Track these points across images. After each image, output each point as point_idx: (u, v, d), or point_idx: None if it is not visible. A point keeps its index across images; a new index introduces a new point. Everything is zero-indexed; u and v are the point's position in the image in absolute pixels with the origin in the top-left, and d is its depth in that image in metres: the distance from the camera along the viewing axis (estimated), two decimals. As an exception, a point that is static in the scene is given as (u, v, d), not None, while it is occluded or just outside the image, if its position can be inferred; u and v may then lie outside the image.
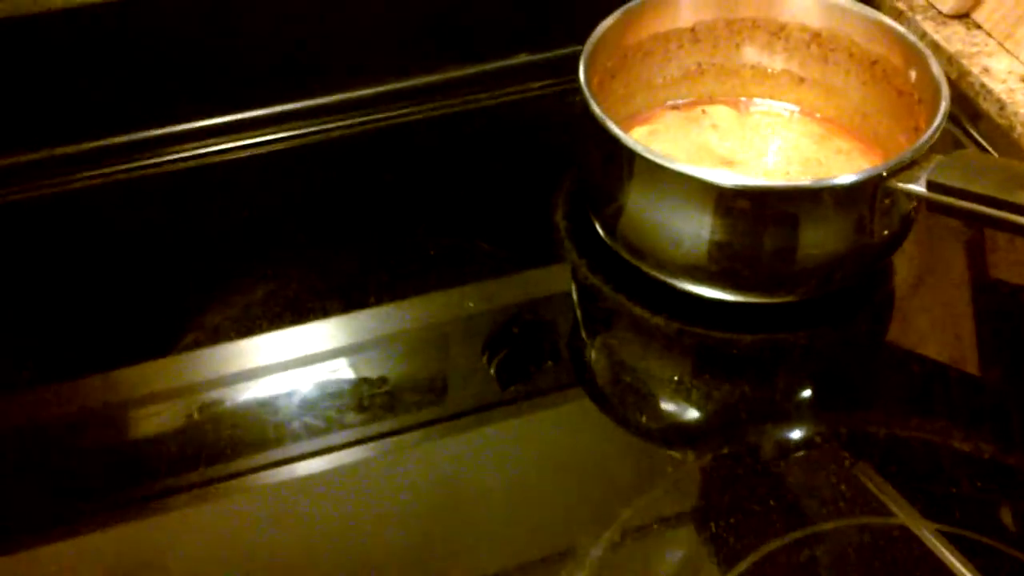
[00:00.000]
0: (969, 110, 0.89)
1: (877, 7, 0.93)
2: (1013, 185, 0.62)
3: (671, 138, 0.80)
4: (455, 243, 0.79)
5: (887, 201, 0.67)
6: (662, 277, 0.72)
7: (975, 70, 0.89)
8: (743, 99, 0.84)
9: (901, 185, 0.66)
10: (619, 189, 0.71)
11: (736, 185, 0.66)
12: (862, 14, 0.78)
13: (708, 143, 0.80)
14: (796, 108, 0.84)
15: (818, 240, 0.68)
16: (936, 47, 0.92)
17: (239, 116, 0.86)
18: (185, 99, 0.84)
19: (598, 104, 0.70)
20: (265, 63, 0.85)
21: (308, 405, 0.67)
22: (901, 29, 0.75)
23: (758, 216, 0.67)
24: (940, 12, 0.95)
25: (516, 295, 0.76)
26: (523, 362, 0.70)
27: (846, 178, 0.66)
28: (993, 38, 0.92)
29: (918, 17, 0.95)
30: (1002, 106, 0.87)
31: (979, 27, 0.94)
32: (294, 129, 0.87)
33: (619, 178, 0.70)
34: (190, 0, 0.78)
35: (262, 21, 0.83)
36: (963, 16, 0.95)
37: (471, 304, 0.74)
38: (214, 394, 0.68)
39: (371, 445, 0.65)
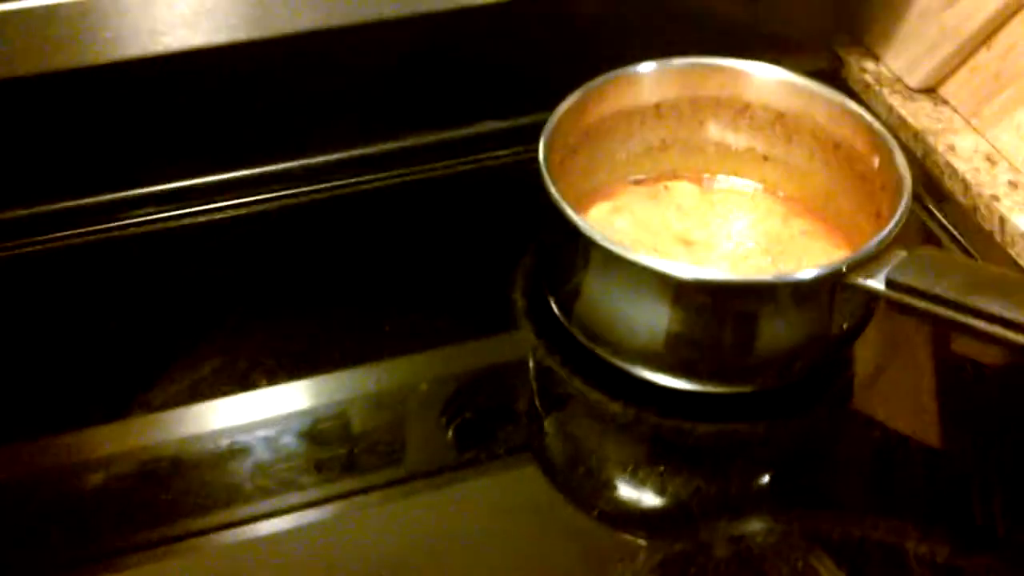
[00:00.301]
0: (934, 190, 0.88)
1: (844, 79, 0.93)
2: (974, 288, 0.61)
3: (632, 215, 0.79)
4: (411, 320, 0.77)
5: (846, 295, 0.66)
6: (618, 363, 0.71)
7: (940, 148, 0.89)
8: (706, 175, 0.83)
9: (860, 281, 0.65)
10: (576, 273, 0.70)
11: (694, 278, 0.65)
12: (827, 97, 0.77)
13: (669, 221, 0.79)
14: (759, 186, 0.83)
15: (776, 333, 0.67)
16: (902, 123, 0.92)
17: (193, 182, 0.84)
18: (138, 165, 0.82)
19: (557, 186, 0.69)
20: (221, 130, 0.84)
21: (262, 467, 0.66)
22: (866, 115, 0.75)
23: (716, 308, 0.66)
24: (908, 86, 0.95)
25: (477, 361, 0.75)
26: (482, 428, 0.69)
27: (804, 274, 0.65)
28: (959, 115, 0.92)
29: (885, 91, 0.95)
30: (967, 186, 0.86)
31: (946, 103, 0.93)
32: (250, 196, 0.85)
33: (576, 263, 0.69)
34: (147, 68, 0.76)
35: (218, 86, 0.81)
36: (930, 91, 0.94)
37: (430, 371, 0.74)
38: (168, 457, 0.67)
39: (328, 506, 0.65)
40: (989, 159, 0.88)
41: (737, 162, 0.83)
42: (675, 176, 0.83)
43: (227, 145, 0.84)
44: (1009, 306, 0.60)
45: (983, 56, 0.88)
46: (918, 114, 0.92)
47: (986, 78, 0.88)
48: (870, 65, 0.97)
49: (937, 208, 0.87)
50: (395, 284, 0.79)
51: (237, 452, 0.67)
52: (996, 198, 0.84)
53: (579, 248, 0.67)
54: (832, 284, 0.66)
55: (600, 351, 0.71)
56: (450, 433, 0.69)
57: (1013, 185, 0.85)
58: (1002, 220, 0.83)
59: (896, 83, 0.96)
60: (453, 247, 0.84)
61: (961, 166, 0.87)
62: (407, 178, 0.89)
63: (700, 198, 0.82)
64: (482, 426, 0.69)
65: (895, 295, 0.64)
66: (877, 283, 0.65)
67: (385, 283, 0.79)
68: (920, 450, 0.72)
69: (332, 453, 0.67)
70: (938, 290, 0.62)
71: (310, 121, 0.86)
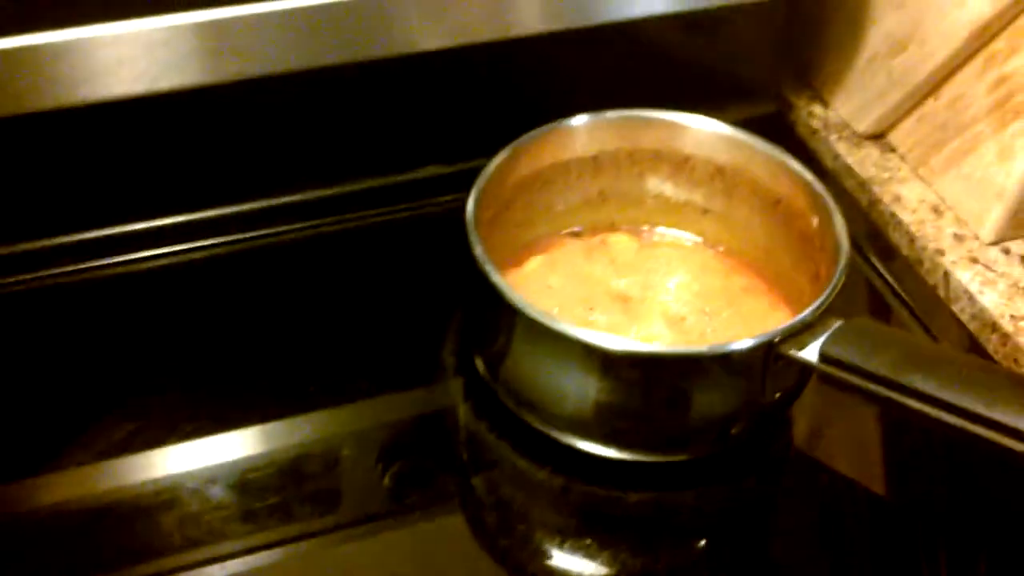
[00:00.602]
0: (878, 242, 0.86)
1: (792, 124, 0.91)
2: (909, 365, 0.59)
3: (567, 271, 0.77)
4: (340, 374, 0.75)
5: (780, 364, 0.64)
6: (546, 430, 0.68)
7: (886, 198, 0.87)
8: (645, 228, 0.81)
9: (792, 353, 0.63)
10: (501, 338, 0.67)
11: (623, 350, 0.63)
12: (767, 153, 0.75)
13: (606, 277, 0.77)
14: (699, 239, 0.81)
15: (708, 402, 0.65)
16: (848, 171, 0.90)
17: (118, 230, 0.81)
18: (54, 216, 0.79)
19: (485, 245, 0.66)
20: (143, 178, 0.81)
21: (191, 518, 0.65)
22: (806, 174, 0.73)
23: (645, 380, 0.64)
24: (856, 132, 0.93)
25: (408, 412, 0.74)
26: (417, 477, 0.69)
27: (735, 345, 0.63)
28: (907, 163, 0.90)
29: (832, 137, 0.93)
30: (911, 238, 0.84)
31: (894, 150, 0.91)
32: (180, 245, 0.83)
33: (501, 327, 0.67)
34: (60, 118, 0.73)
35: (141, 134, 0.79)
36: (879, 137, 0.93)
37: (359, 422, 0.73)
38: (96, 509, 0.66)
39: (259, 555, 0.64)
40: (935, 210, 0.86)
41: (676, 215, 0.81)
42: (613, 228, 0.81)
43: (151, 194, 0.82)
44: (943, 386, 0.58)
45: (931, 105, 0.86)
46: (865, 162, 0.90)
47: (934, 128, 0.86)
48: (818, 110, 0.95)
49: (881, 262, 0.85)
50: (327, 335, 0.77)
51: (165, 503, 0.66)
52: (940, 251, 0.82)
53: (504, 313, 0.65)
54: (764, 355, 0.64)
55: (527, 417, 0.69)
56: (386, 480, 0.69)
57: (958, 238, 0.83)
58: (946, 275, 0.81)
59: (844, 129, 0.94)
60: (387, 297, 0.81)
61: (906, 217, 0.85)
62: (344, 225, 0.87)
63: (638, 252, 0.80)
64: (417, 475, 0.69)
65: (828, 369, 0.62)
66: (810, 355, 0.63)
67: (317, 334, 0.77)
68: (861, 514, 0.70)
69: (263, 503, 0.66)
70: (871, 366, 0.60)
71: (240, 168, 0.83)
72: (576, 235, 0.81)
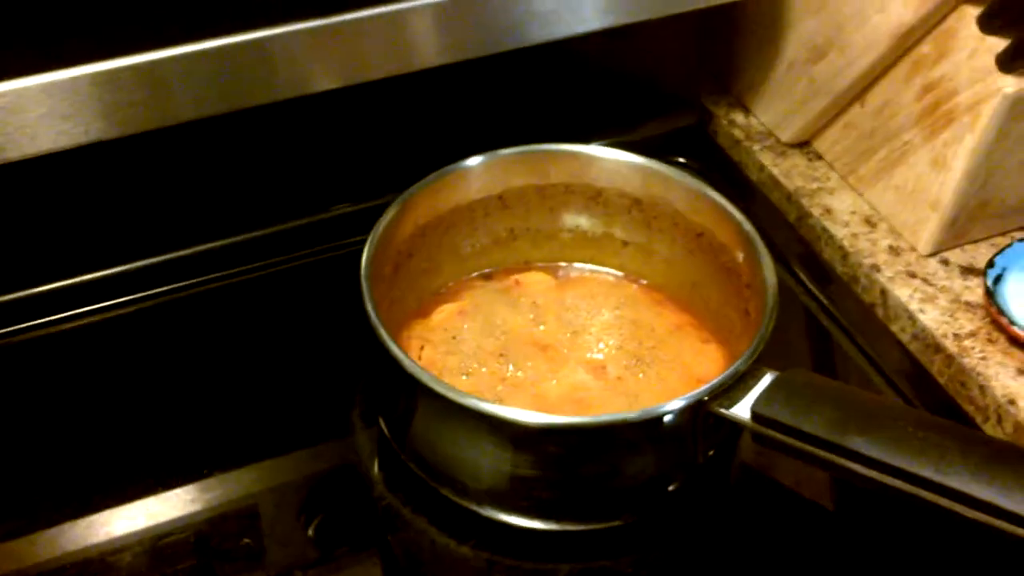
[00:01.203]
0: (810, 260, 0.82)
1: (713, 134, 0.86)
2: (851, 425, 0.55)
3: (479, 319, 0.71)
4: (246, 439, 0.70)
5: (711, 421, 0.59)
6: (465, 503, 0.63)
7: (816, 211, 0.82)
8: (562, 264, 0.76)
9: (723, 411, 0.58)
10: (405, 411, 0.61)
11: (537, 424, 0.57)
12: (684, 184, 0.70)
13: (522, 323, 0.71)
14: (620, 274, 0.75)
15: (637, 468, 0.60)
16: (775, 183, 0.85)
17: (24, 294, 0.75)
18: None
19: (379, 312, 0.60)
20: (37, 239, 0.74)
21: None
22: (728, 206, 0.68)
23: (564, 451, 0.58)
24: (779, 140, 0.88)
25: (327, 463, 0.71)
26: (340, 526, 0.66)
27: (662, 408, 0.58)
28: (835, 171, 0.85)
29: (756, 147, 0.88)
30: (844, 254, 0.80)
31: (820, 158, 0.86)
32: (74, 308, 0.77)
33: (404, 400, 0.61)
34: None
35: (42, 192, 0.73)
36: (804, 145, 0.88)
37: (276, 478, 0.69)
38: None
39: None
40: (868, 222, 0.81)
41: (594, 249, 0.75)
42: (528, 267, 0.75)
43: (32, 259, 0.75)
44: (888, 448, 0.53)
45: (856, 112, 0.82)
46: (791, 172, 0.85)
47: (861, 135, 0.81)
48: (739, 118, 0.90)
49: (814, 282, 0.80)
50: (232, 392, 0.73)
51: None
52: (876, 267, 0.78)
53: (405, 385, 0.59)
54: (693, 415, 0.58)
55: (444, 491, 0.63)
56: (310, 532, 0.66)
57: (894, 251, 0.79)
58: (883, 293, 0.77)
59: (767, 137, 0.89)
60: (293, 349, 0.76)
61: (838, 231, 0.81)
62: (247, 275, 0.81)
63: (555, 291, 0.74)
64: (341, 526, 0.66)
65: (761, 429, 0.57)
66: (742, 412, 0.58)
67: (222, 391, 0.73)
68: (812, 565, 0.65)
69: (182, 566, 0.63)
70: (808, 426, 0.55)
71: (128, 226, 0.77)
72: (487, 277, 0.75)
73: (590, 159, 0.71)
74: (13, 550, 0.64)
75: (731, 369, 0.59)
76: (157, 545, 0.64)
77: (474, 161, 0.69)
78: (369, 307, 0.60)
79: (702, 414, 0.59)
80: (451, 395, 0.57)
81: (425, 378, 0.58)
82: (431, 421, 0.60)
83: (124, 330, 0.77)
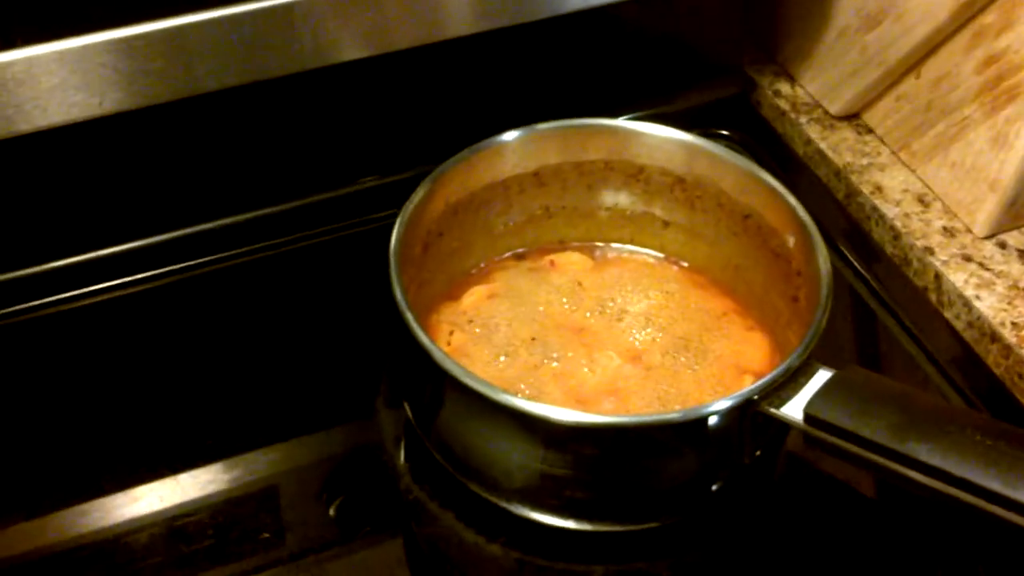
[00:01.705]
0: (859, 240, 0.78)
1: (756, 105, 0.82)
2: (908, 429, 0.51)
3: (513, 300, 0.67)
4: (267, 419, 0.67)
5: (760, 420, 0.56)
6: (495, 500, 0.59)
7: (866, 188, 0.78)
8: (599, 244, 0.72)
9: (773, 411, 0.54)
10: (433, 403, 0.58)
11: (572, 423, 0.54)
12: (732, 163, 0.66)
13: (555, 306, 0.68)
14: (660, 255, 0.72)
15: (678, 470, 0.57)
16: (822, 158, 0.81)
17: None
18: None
19: (409, 292, 0.57)
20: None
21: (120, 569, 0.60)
22: (778, 187, 0.64)
23: (602, 451, 0.55)
24: (827, 113, 0.83)
25: (349, 444, 0.68)
26: (363, 507, 0.64)
27: (708, 408, 0.55)
28: (886, 146, 0.81)
29: (803, 119, 0.83)
30: (896, 235, 0.75)
31: (871, 131, 0.82)
32: (94, 284, 0.74)
33: (433, 389, 0.58)
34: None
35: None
36: (853, 117, 0.83)
37: (298, 459, 0.67)
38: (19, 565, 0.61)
39: None
40: (921, 200, 0.77)
41: (633, 228, 0.71)
42: (563, 246, 0.72)
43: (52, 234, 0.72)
44: (952, 456, 0.49)
45: (911, 84, 0.77)
46: (840, 147, 0.81)
47: (915, 109, 0.77)
48: (785, 88, 0.86)
49: (862, 263, 0.76)
50: (256, 369, 0.71)
51: (92, 557, 0.61)
52: (929, 249, 0.73)
53: (434, 376, 0.56)
54: (741, 415, 0.55)
55: (472, 486, 0.60)
56: (332, 511, 0.63)
57: (949, 232, 0.75)
58: (937, 277, 0.73)
59: (815, 108, 0.84)
60: (316, 328, 0.73)
61: (889, 210, 0.76)
62: (277, 250, 0.77)
63: (592, 272, 0.70)
64: (363, 507, 0.64)
65: (815, 432, 0.53)
66: (794, 413, 0.54)
67: (243, 369, 0.71)
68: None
69: (198, 546, 0.61)
70: (866, 431, 0.51)
71: (150, 198, 0.73)
72: (520, 257, 0.71)
73: (632, 135, 0.67)
74: (27, 530, 0.63)
75: (783, 366, 0.55)
76: (174, 525, 0.62)
77: (509, 136, 0.65)
78: (398, 294, 0.57)
79: (750, 414, 0.55)
80: (483, 390, 0.54)
81: (456, 371, 0.55)
82: (460, 414, 0.57)
83: (146, 307, 0.74)
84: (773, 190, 0.64)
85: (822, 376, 0.55)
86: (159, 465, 0.65)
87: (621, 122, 0.67)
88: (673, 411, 0.58)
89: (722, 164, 0.66)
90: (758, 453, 0.58)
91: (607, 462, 0.56)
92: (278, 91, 0.69)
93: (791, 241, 0.63)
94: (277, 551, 0.61)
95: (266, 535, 0.62)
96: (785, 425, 0.57)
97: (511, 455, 0.56)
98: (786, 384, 0.55)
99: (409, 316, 0.56)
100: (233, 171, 0.75)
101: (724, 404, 0.54)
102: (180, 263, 0.75)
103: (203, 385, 0.70)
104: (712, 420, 0.55)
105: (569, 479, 0.56)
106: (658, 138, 0.67)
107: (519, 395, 0.60)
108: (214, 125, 0.72)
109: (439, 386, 0.57)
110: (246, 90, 0.67)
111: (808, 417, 0.53)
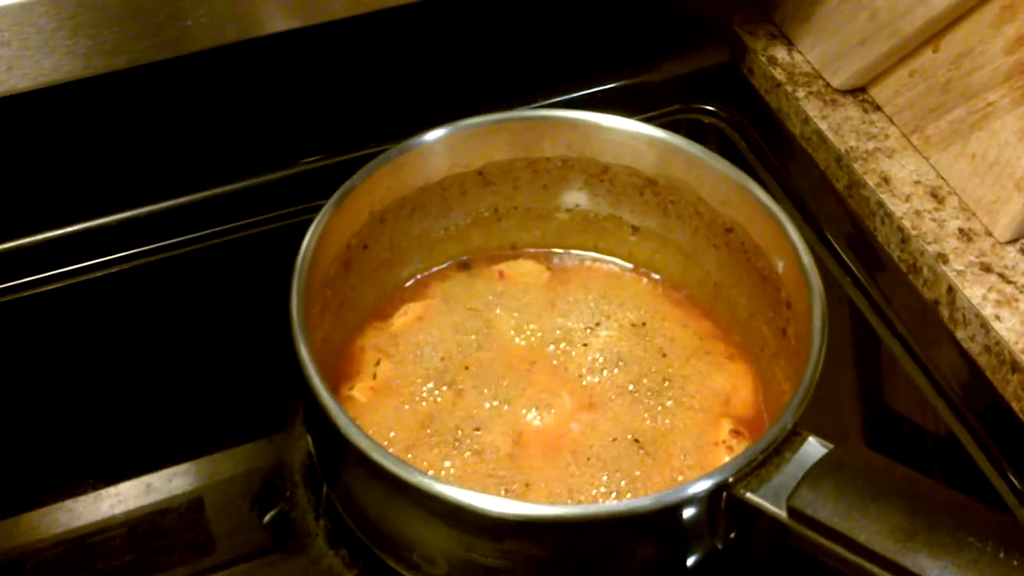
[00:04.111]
0: (861, 242, 0.67)
1: (747, 74, 0.71)
2: (914, 535, 0.41)
3: (448, 324, 0.58)
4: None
5: (735, 502, 0.46)
6: (420, 580, 0.50)
7: (871, 180, 0.67)
8: (558, 251, 0.62)
9: (751, 497, 0.45)
10: (345, 472, 0.48)
11: (515, 515, 0.44)
12: (711, 167, 0.55)
13: (503, 331, 0.58)
14: (629, 266, 0.61)
15: (638, 562, 0.47)
16: (822, 140, 0.70)
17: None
18: None
19: (312, 348, 0.46)
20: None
21: None
22: (768, 202, 0.53)
23: (546, 545, 0.45)
24: (829, 85, 0.72)
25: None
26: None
27: (674, 495, 0.45)
28: (896, 126, 0.70)
29: (800, 93, 0.72)
30: (904, 237, 0.65)
31: (879, 109, 0.71)
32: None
33: (341, 460, 0.48)
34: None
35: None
36: (858, 91, 0.72)
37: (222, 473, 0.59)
38: None
39: None
40: (935, 195, 0.66)
41: (597, 233, 0.61)
42: (515, 254, 0.61)
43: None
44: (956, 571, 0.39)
45: (928, 58, 0.66)
46: (842, 127, 0.70)
47: (932, 87, 0.66)
48: (781, 54, 0.75)
49: (863, 269, 0.66)
50: (168, 381, 0.62)
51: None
52: (943, 257, 0.63)
53: (339, 445, 0.46)
54: (711, 501, 0.45)
55: (392, 563, 0.50)
56: (266, 520, 0.57)
57: (965, 236, 0.64)
58: (950, 290, 0.62)
59: (815, 80, 0.73)
60: (238, 329, 0.64)
61: (898, 207, 0.66)
62: (207, 242, 0.68)
63: (548, 287, 0.60)
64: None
65: (799, 529, 0.43)
66: (775, 502, 0.44)
67: (156, 379, 0.62)
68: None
69: (118, 561, 0.55)
70: (862, 535, 0.42)
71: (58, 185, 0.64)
72: (464, 266, 0.61)
73: (593, 129, 0.57)
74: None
75: (763, 440, 0.45)
76: (87, 543, 0.56)
77: (441, 133, 0.55)
78: (302, 350, 0.46)
79: (725, 498, 0.45)
80: (395, 469, 0.44)
81: (363, 444, 0.44)
82: (377, 494, 0.47)
83: (55, 310, 0.66)
84: (760, 204, 0.53)
85: (811, 452, 0.45)
86: (73, 480, 0.58)
87: (579, 114, 0.56)
88: (626, 502, 0.48)
89: (700, 167, 0.55)
90: (733, 536, 0.48)
91: (553, 556, 0.46)
92: (205, 66, 0.59)
93: (780, 266, 0.53)
94: (202, 561, 0.55)
95: (196, 546, 0.56)
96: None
97: (439, 544, 0.47)
98: (767, 461, 0.45)
99: (313, 375, 0.46)
100: (156, 154, 0.66)
101: (690, 491, 0.45)
102: (93, 259, 0.66)
103: (119, 395, 0.62)
104: (679, 509, 0.45)
105: (506, 570, 0.47)
106: (624, 133, 0.56)
107: (457, 443, 0.52)
108: (129, 105, 0.62)
109: (345, 455, 0.47)
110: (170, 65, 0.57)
111: (792, 511, 0.43)
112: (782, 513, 0.44)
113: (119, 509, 0.56)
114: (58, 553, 0.56)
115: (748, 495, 0.45)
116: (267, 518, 0.57)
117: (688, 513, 0.45)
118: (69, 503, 0.57)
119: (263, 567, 0.56)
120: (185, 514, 0.57)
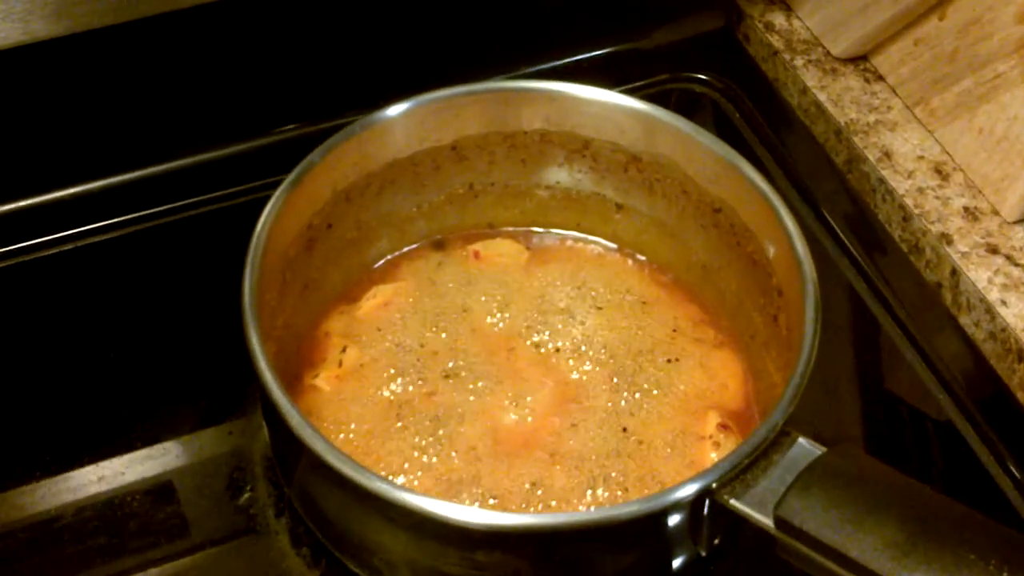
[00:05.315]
0: (860, 221, 0.63)
1: (742, 40, 0.67)
2: (910, 549, 0.38)
3: (418, 308, 0.55)
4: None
5: (719, 508, 0.42)
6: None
7: (872, 155, 0.64)
8: (538, 230, 0.58)
9: (736, 504, 0.41)
10: (303, 475, 0.45)
11: (485, 526, 0.40)
12: (699, 143, 0.51)
13: (476, 314, 0.54)
14: (613, 246, 0.57)
15: (625, 566, 0.44)
16: (821, 112, 0.66)
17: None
18: None
19: (262, 328, 0.44)
20: None
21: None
22: (760, 182, 0.50)
23: (519, 555, 0.42)
24: (829, 53, 0.68)
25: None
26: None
27: (653, 504, 0.42)
28: (899, 97, 0.66)
29: (798, 61, 0.68)
30: (906, 215, 0.61)
31: (881, 79, 0.67)
32: None
33: (297, 461, 0.45)
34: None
35: None
36: (860, 60, 0.68)
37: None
38: None
39: None
40: (939, 171, 0.63)
41: (579, 211, 0.58)
42: (493, 232, 0.58)
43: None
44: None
45: (934, 26, 0.63)
46: (842, 98, 0.67)
47: (938, 56, 0.63)
48: (779, 20, 0.71)
49: (862, 250, 0.63)
50: (142, 359, 0.59)
51: None
52: (947, 237, 0.60)
53: (293, 445, 0.43)
54: (693, 507, 0.42)
55: (354, 567, 0.47)
56: (242, 500, 0.53)
57: (971, 215, 0.61)
58: (954, 273, 0.59)
59: (814, 47, 0.70)
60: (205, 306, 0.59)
61: (900, 184, 0.62)
62: (180, 214, 0.64)
63: (526, 268, 0.56)
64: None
65: (786, 540, 0.40)
66: (761, 510, 0.41)
67: (131, 357, 0.59)
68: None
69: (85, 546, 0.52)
70: (854, 550, 0.38)
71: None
72: (438, 246, 0.57)
73: (573, 101, 0.53)
74: None
75: (748, 442, 0.42)
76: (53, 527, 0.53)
77: (403, 107, 0.51)
78: (253, 339, 0.43)
79: (708, 505, 0.42)
80: (355, 476, 0.41)
81: (319, 448, 0.41)
82: (335, 498, 0.44)
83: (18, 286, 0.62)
84: (751, 183, 0.50)
85: (802, 455, 0.42)
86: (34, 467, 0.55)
87: (557, 85, 0.53)
88: (603, 510, 0.45)
89: (686, 143, 0.52)
90: (717, 541, 0.45)
91: (524, 567, 0.43)
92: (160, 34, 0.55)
93: (771, 250, 0.49)
94: (174, 544, 0.52)
95: (163, 529, 0.53)
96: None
97: (399, 550, 0.44)
98: (754, 465, 0.42)
99: (264, 369, 0.42)
100: (105, 126, 0.63)
101: (671, 498, 0.42)
102: (41, 236, 0.63)
103: (75, 378, 0.59)
104: (656, 518, 0.42)
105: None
106: (605, 106, 0.53)
107: (427, 438, 0.48)
108: (76, 74, 0.59)
109: (299, 457, 0.44)
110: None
111: (779, 520, 0.40)
112: (768, 522, 0.41)
113: (80, 495, 0.54)
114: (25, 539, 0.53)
115: (732, 502, 0.42)
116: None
117: (669, 521, 0.43)
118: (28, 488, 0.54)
119: (220, 560, 0.53)
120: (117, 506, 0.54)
